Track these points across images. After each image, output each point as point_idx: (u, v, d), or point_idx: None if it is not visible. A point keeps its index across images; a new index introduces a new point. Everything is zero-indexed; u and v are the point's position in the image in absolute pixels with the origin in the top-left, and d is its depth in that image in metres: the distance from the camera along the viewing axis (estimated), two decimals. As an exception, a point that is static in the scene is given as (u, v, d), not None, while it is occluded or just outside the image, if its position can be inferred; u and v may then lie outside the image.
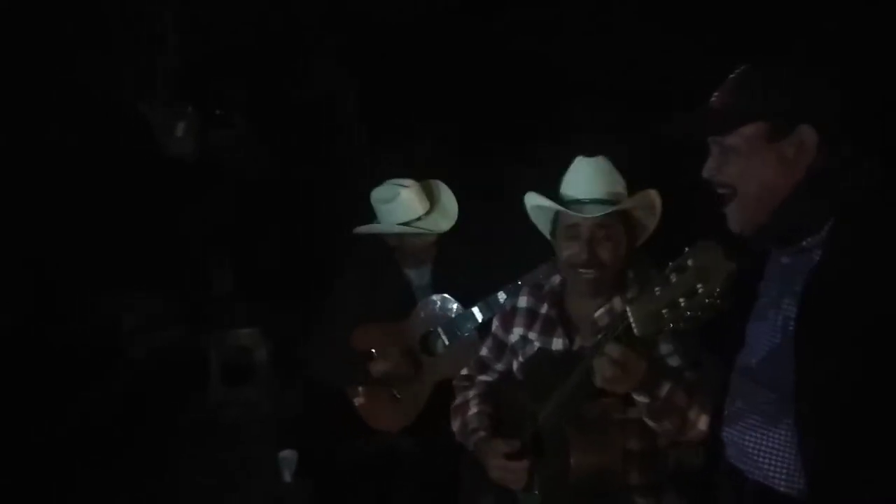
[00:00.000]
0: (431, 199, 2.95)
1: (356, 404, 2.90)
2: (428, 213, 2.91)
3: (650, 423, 1.92)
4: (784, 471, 1.48)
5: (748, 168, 1.51)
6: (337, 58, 4.80)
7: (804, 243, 1.49)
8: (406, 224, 2.87)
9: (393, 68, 4.57)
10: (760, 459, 1.52)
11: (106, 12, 4.23)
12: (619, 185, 2.16)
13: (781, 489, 1.48)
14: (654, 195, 2.14)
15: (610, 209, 2.09)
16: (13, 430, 3.57)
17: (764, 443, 1.51)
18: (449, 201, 2.98)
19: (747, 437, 1.55)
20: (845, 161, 1.47)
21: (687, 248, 1.45)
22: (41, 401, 3.78)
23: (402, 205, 2.85)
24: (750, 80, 1.54)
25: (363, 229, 2.95)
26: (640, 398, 1.85)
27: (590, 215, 2.08)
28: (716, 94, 1.57)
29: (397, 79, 4.53)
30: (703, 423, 1.87)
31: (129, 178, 4.28)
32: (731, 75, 1.58)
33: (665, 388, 1.84)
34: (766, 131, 1.49)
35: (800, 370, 1.43)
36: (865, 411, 1.36)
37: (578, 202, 2.12)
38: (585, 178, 2.15)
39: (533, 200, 2.20)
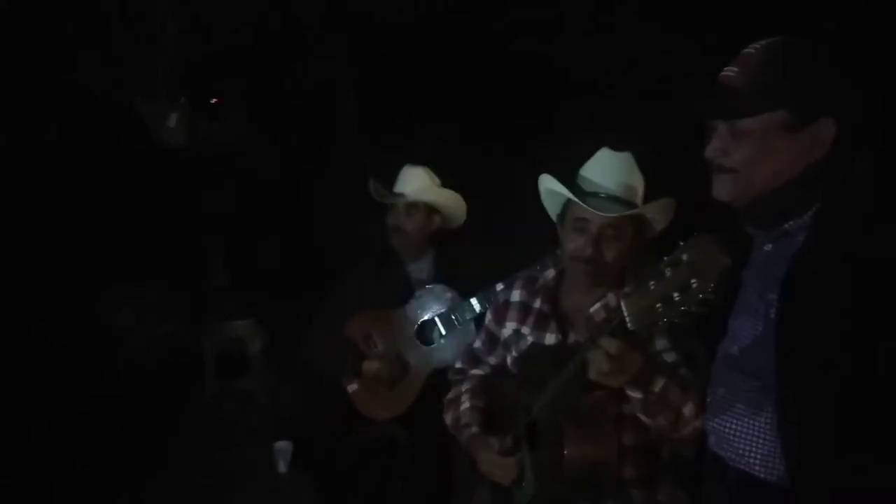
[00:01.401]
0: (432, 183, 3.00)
1: (350, 392, 2.89)
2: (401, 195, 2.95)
3: (644, 419, 1.90)
4: (762, 457, 1.48)
5: (759, 155, 1.47)
6: (336, 55, 4.81)
7: (786, 226, 1.48)
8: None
9: (392, 66, 4.58)
10: (741, 447, 1.51)
11: (102, 5, 4.23)
12: (638, 185, 2.12)
13: (761, 476, 1.48)
14: (671, 204, 2.09)
15: (625, 212, 2.04)
16: (9, 423, 3.56)
17: (745, 430, 1.51)
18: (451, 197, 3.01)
19: (729, 425, 1.54)
20: (844, 152, 1.46)
21: (682, 243, 1.43)
22: (36, 394, 3.77)
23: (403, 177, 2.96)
24: (777, 61, 1.46)
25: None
26: (634, 394, 1.83)
27: (604, 213, 2.03)
28: (734, 70, 1.49)
29: (396, 76, 4.55)
30: (698, 420, 1.84)
31: (123, 171, 4.29)
32: (752, 49, 1.49)
33: (659, 384, 1.82)
34: (787, 120, 1.44)
35: (781, 356, 1.43)
36: (847, 397, 1.35)
37: (594, 195, 2.06)
38: (606, 172, 2.08)
39: (547, 184, 2.15)
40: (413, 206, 2.93)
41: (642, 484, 2.04)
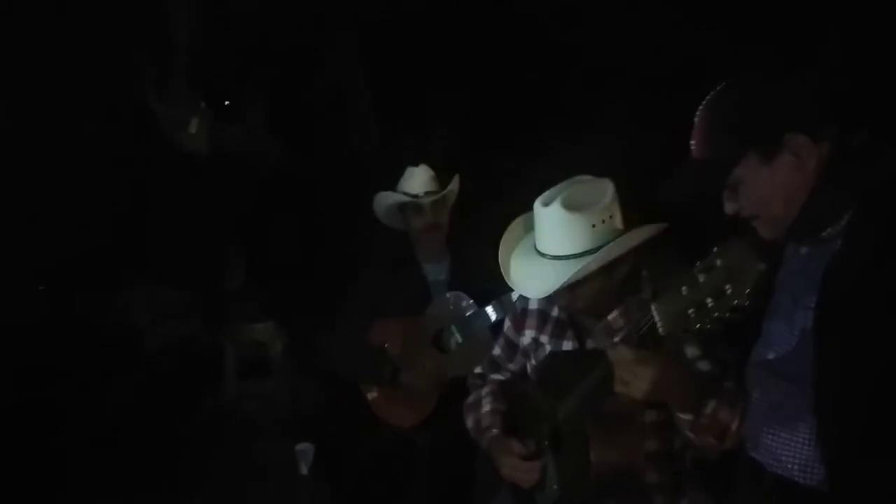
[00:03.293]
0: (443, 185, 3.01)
1: (369, 399, 2.91)
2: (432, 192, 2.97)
3: (691, 436, 1.83)
4: (801, 462, 1.48)
5: (762, 194, 1.51)
6: (350, 50, 4.79)
7: (824, 234, 1.48)
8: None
9: (407, 60, 4.56)
10: (779, 451, 1.51)
11: (119, 9, 4.23)
12: (583, 233, 1.90)
13: (800, 481, 1.48)
14: (628, 241, 1.90)
15: (565, 281, 1.87)
16: (33, 423, 3.61)
17: (783, 435, 1.50)
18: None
19: (766, 430, 1.54)
20: (859, 147, 1.47)
21: (715, 248, 1.42)
22: (56, 395, 3.82)
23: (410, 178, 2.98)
24: (715, 118, 1.53)
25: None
26: (685, 416, 1.77)
27: (545, 290, 1.91)
28: (692, 143, 1.56)
29: (412, 71, 4.52)
30: (740, 432, 1.78)
31: (143, 174, 4.31)
32: (697, 116, 1.55)
33: (711, 406, 1.75)
34: (759, 158, 1.48)
35: (820, 361, 1.42)
36: (887, 402, 1.35)
37: (542, 261, 1.96)
38: (545, 233, 1.94)
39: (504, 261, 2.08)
40: (439, 202, 2.95)
41: (666, 489, 2.03)
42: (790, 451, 1.49)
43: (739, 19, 3.45)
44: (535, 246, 2.00)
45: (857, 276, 1.39)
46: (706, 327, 1.45)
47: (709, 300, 1.40)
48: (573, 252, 1.90)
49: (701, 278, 1.42)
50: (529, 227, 2.04)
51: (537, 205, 1.95)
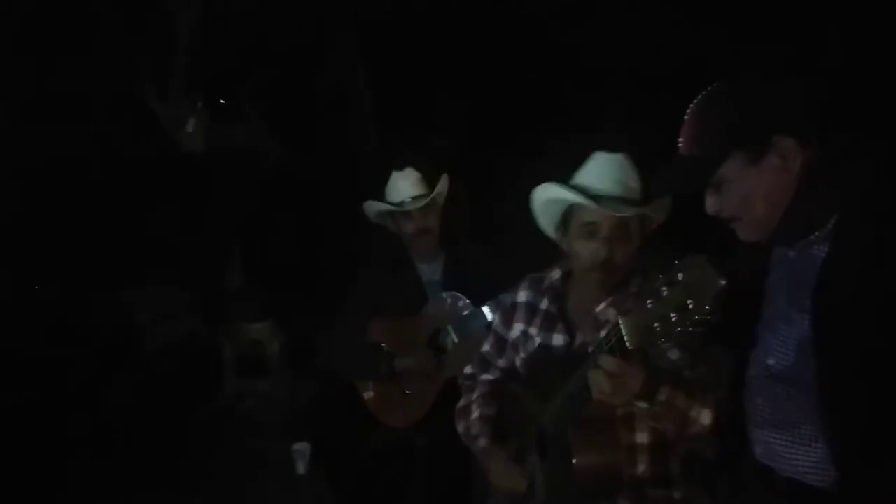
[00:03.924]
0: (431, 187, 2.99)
1: (365, 399, 2.92)
2: (420, 196, 2.95)
3: (652, 423, 1.92)
4: (813, 464, 1.49)
5: (746, 195, 1.52)
6: (350, 50, 4.80)
7: (812, 237, 1.50)
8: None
9: (406, 59, 4.56)
10: (790, 455, 1.52)
11: (120, 9, 4.25)
12: (637, 185, 2.10)
13: (813, 482, 1.49)
14: (669, 202, 2.08)
15: (636, 210, 2.03)
16: (31, 422, 3.64)
17: (792, 439, 1.52)
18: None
19: (774, 435, 1.56)
20: (843, 150, 1.48)
21: (677, 262, 1.44)
22: (55, 394, 3.84)
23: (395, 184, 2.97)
24: (706, 116, 1.54)
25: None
26: (640, 404, 1.83)
27: (619, 213, 2.01)
28: (680, 141, 1.58)
29: (411, 71, 4.53)
30: (704, 418, 1.84)
31: (142, 173, 4.33)
32: (688, 114, 1.57)
33: (664, 394, 1.81)
34: (745, 158, 1.50)
35: (820, 364, 1.44)
36: (887, 400, 1.36)
37: (599, 198, 2.04)
38: (605, 174, 2.07)
39: (550, 193, 2.10)
40: (429, 205, 2.94)
41: (660, 483, 2.04)
42: (801, 453, 1.51)
43: (733, 22, 3.46)
44: (593, 193, 2.07)
45: (850, 279, 1.40)
46: (672, 340, 1.49)
47: (672, 314, 1.44)
48: (642, 192, 2.08)
49: (664, 292, 1.45)
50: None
51: (600, 155, 2.10)
